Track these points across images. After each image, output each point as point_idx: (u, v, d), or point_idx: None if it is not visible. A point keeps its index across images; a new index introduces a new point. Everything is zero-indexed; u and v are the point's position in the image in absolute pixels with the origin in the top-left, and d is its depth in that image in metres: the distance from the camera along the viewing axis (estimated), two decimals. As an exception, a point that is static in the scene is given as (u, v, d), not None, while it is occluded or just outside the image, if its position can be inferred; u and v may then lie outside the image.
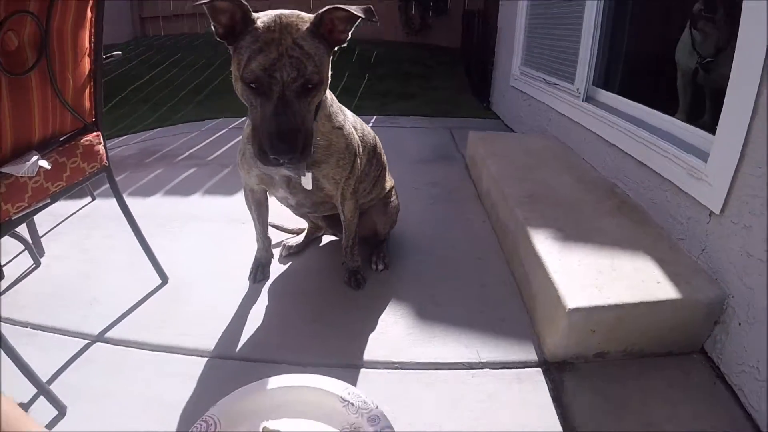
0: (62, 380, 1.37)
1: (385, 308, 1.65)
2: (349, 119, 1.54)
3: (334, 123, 1.45)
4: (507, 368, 1.39)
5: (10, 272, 1.91)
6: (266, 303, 1.70)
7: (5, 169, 1.26)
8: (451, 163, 2.94)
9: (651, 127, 1.92)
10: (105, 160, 1.61)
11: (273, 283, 1.81)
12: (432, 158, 3.03)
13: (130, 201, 2.56)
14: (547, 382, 1.34)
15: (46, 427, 1.20)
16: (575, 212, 1.80)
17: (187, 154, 3.26)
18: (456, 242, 2.05)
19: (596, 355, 1.40)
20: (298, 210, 1.73)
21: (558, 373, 1.36)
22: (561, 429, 1.20)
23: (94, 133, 1.56)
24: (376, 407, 0.82)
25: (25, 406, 1.27)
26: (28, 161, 1.29)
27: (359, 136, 1.58)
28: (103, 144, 1.59)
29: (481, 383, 1.34)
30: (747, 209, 1.29)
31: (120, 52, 1.75)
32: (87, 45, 1.48)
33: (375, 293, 1.73)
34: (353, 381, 1.34)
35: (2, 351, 1.22)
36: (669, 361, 1.39)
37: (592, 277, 1.43)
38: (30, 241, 2.03)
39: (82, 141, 1.50)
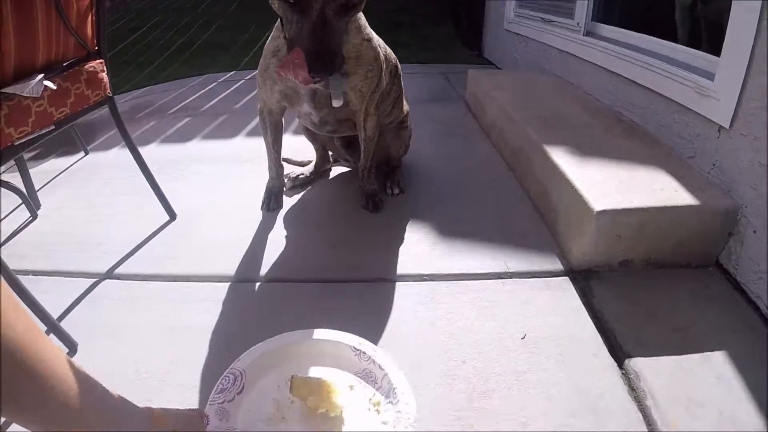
0: (70, 319, 1.31)
1: (405, 229, 1.62)
2: (374, 35, 1.50)
3: (363, 35, 1.41)
4: (535, 277, 1.38)
5: (6, 227, 1.83)
6: (283, 230, 1.65)
7: (9, 90, 1.19)
8: (450, 102, 2.88)
9: (655, 54, 1.90)
10: (108, 90, 1.54)
11: (287, 212, 1.77)
12: (430, 99, 2.97)
13: (124, 152, 2.49)
14: (576, 290, 1.33)
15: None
16: (586, 134, 1.78)
17: (179, 106, 3.16)
18: (466, 170, 2.02)
19: (621, 264, 1.40)
20: (320, 128, 1.67)
21: (585, 281, 1.36)
22: (596, 330, 1.20)
23: (98, 61, 1.48)
24: (385, 355, 0.88)
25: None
26: (33, 81, 1.23)
27: (383, 54, 1.53)
28: (106, 73, 1.52)
29: (513, 290, 1.33)
30: (756, 121, 1.30)
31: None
32: (89, -33, 1.40)
33: (393, 216, 1.71)
34: (385, 294, 1.33)
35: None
36: (688, 273, 1.40)
37: (614, 185, 1.42)
38: (25, 193, 1.96)
39: (85, 67, 1.42)
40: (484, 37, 4.10)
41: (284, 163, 2.03)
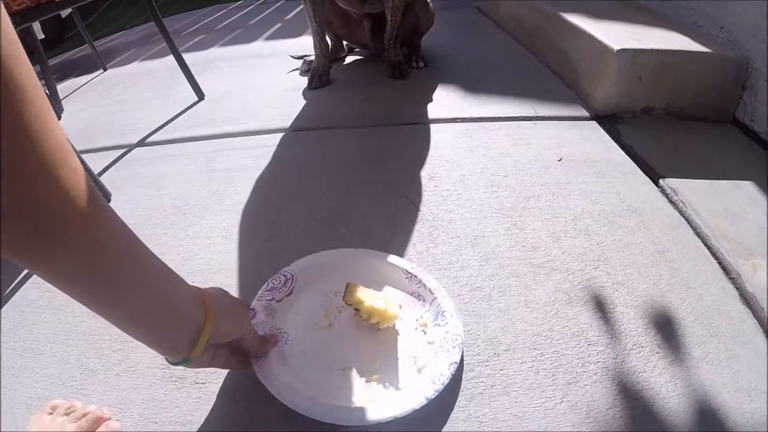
0: (103, 179, 1.29)
1: (433, 90, 1.61)
2: None
3: None
4: (564, 120, 1.37)
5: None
6: (314, 97, 1.65)
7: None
8: (462, 10, 2.78)
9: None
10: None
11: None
12: (442, 8, 2.83)
13: (143, 64, 2.47)
14: (603, 130, 1.33)
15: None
16: (599, 9, 1.73)
17: (192, 29, 3.09)
18: (485, 53, 1.98)
19: (643, 110, 1.39)
20: None
21: (611, 124, 1.35)
22: (627, 157, 1.20)
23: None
24: (435, 280, 0.82)
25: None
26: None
27: None
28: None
29: (544, 128, 1.32)
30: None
31: None
32: None
33: (419, 83, 1.69)
34: (423, 132, 1.33)
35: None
36: (706, 126, 1.39)
37: (631, 36, 1.40)
38: (48, 92, 1.94)
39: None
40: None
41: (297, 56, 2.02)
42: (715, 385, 0.65)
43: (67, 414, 0.67)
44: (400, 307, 0.79)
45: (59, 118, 1.88)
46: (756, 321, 0.76)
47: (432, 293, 0.79)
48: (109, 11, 4.32)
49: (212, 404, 0.68)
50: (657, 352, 0.70)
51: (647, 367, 0.68)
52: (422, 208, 1.03)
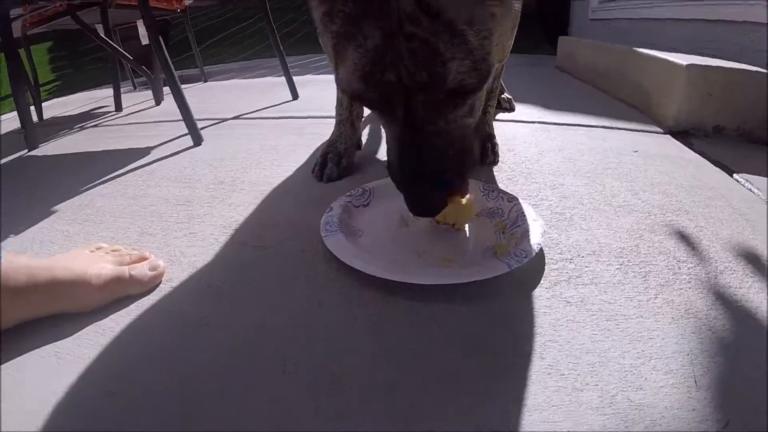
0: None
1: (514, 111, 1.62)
2: None
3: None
4: (638, 132, 1.35)
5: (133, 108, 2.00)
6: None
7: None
8: (543, 66, 2.76)
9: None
10: None
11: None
12: (527, 63, 2.90)
13: (241, 81, 2.64)
14: (676, 140, 1.29)
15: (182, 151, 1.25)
16: (670, 49, 1.75)
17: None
18: (562, 94, 1.94)
19: (714, 129, 1.36)
20: None
21: (684, 138, 1.32)
22: (700, 157, 1.16)
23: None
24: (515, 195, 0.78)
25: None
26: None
27: None
28: None
29: (620, 134, 1.31)
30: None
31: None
32: None
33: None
34: (503, 128, 1.34)
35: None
36: None
37: (700, 60, 1.39)
38: (152, 77, 2.08)
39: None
40: (571, 34, 4.08)
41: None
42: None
43: (109, 253, 0.66)
44: (478, 216, 0.75)
45: (159, 104, 2.06)
46: None
47: (510, 202, 0.76)
48: (209, 48, 4.68)
49: (270, 260, 0.68)
50: (751, 277, 0.65)
51: (743, 285, 0.63)
52: (501, 164, 1.02)
